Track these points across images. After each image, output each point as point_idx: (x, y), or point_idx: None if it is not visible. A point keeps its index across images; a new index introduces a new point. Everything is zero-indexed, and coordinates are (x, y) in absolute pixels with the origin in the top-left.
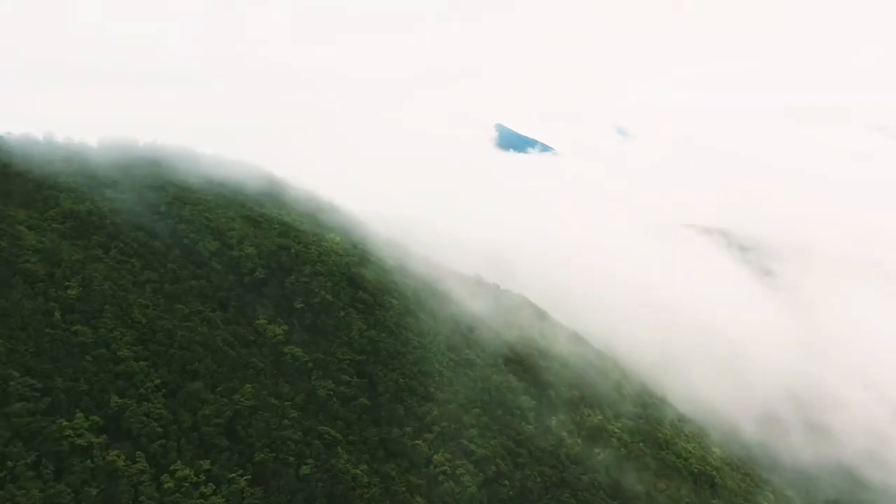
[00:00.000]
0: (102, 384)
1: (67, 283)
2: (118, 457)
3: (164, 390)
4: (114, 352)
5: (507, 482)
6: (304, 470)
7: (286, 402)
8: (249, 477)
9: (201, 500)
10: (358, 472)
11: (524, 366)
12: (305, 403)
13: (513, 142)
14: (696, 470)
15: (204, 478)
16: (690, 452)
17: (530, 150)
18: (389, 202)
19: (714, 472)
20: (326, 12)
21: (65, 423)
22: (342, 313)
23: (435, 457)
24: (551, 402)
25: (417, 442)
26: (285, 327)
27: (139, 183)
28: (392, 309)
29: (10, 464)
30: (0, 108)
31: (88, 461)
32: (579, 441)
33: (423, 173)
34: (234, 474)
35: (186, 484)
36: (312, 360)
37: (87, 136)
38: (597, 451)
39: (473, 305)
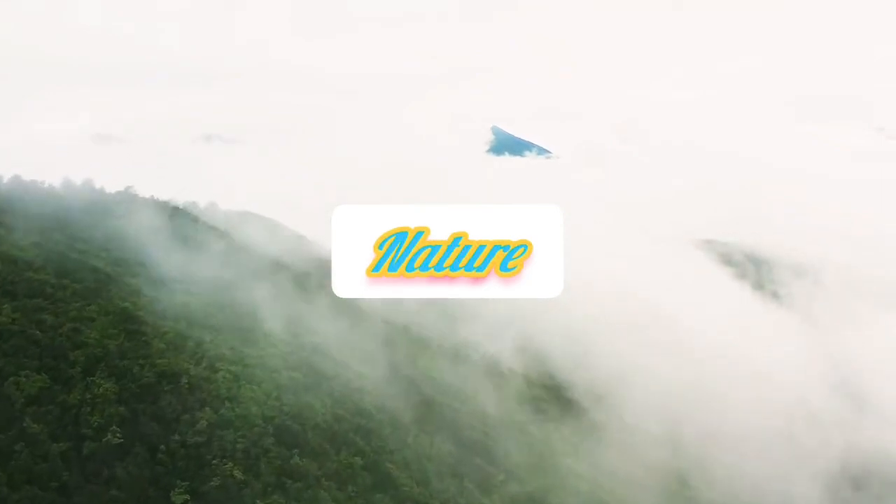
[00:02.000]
0: None
1: None
2: None
3: None
4: None
5: None
6: None
7: None
8: None
9: None
10: None
11: None
12: None
13: (509, 145)
14: None
15: None
16: None
17: (527, 153)
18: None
19: None
20: (327, 12)
21: None
22: None
23: None
24: None
25: None
26: None
27: None
28: (354, 479)
29: None
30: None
31: None
32: None
33: (418, 180)
34: None
35: None
36: None
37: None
38: None
39: (486, 431)
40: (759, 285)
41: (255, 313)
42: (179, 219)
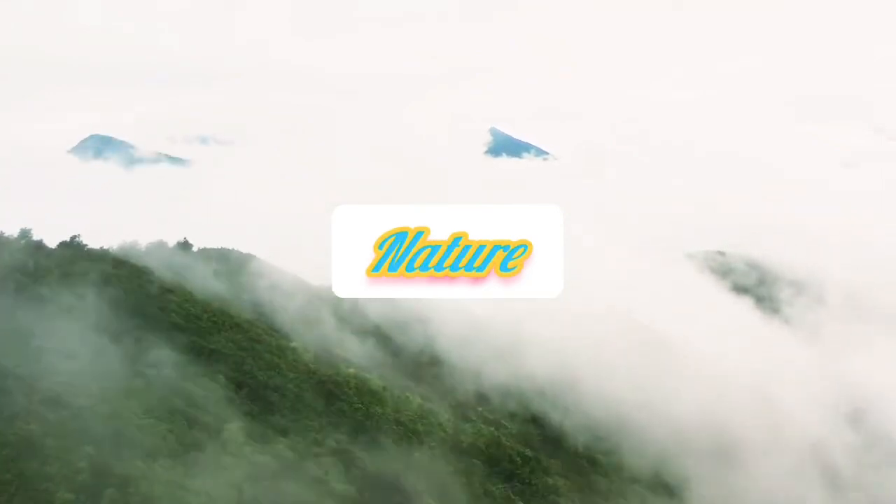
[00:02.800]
0: None
1: None
2: None
3: None
4: None
5: None
6: None
7: None
8: None
9: None
10: None
11: None
12: None
13: (507, 146)
14: None
15: None
16: None
17: (525, 154)
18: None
19: None
20: (327, 12)
21: None
22: None
23: None
24: None
25: None
26: None
27: None
28: None
29: None
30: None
31: None
32: None
33: (418, 180)
34: None
35: None
36: None
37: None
38: None
39: None
40: (760, 298)
41: (209, 415)
42: (131, 278)
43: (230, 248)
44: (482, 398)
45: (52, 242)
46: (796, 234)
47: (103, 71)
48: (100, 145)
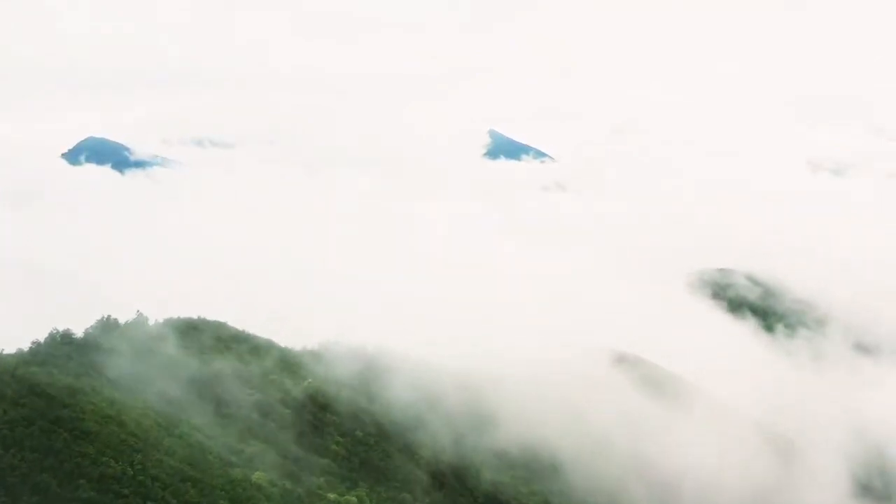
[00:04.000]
0: None
1: None
2: None
3: None
4: None
5: None
6: None
7: None
8: None
9: None
10: None
11: None
12: None
13: (505, 149)
14: None
15: None
16: None
17: (524, 157)
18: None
19: None
20: (327, 13)
21: None
22: None
23: None
24: None
25: None
26: None
27: None
28: None
29: None
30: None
31: None
32: None
33: (417, 179)
34: None
35: None
36: None
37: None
38: None
39: None
40: (762, 319)
41: None
42: (46, 413)
43: (195, 316)
44: (475, 483)
45: None
46: (797, 241)
47: (103, 72)
48: (96, 148)
